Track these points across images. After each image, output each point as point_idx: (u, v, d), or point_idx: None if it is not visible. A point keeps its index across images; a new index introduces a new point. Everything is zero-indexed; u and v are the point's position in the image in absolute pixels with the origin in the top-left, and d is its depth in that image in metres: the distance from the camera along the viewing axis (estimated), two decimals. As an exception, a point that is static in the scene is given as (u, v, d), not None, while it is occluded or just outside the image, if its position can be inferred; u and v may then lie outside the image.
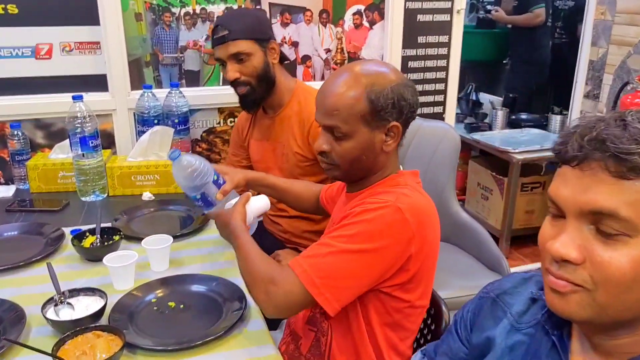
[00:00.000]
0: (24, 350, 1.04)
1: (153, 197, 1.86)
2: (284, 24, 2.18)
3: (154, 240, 1.39)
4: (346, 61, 2.29)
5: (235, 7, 2.09)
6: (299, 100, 1.67)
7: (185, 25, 2.06)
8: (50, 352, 0.98)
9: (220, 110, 2.21)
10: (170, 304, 1.22)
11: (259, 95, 1.64)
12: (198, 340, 1.07)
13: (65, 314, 1.12)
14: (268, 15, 2.14)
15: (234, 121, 2.23)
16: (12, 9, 1.86)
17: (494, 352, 0.78)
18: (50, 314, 1.11)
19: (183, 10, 2.04)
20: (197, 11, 2.06)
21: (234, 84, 1.62)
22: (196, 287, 1.27)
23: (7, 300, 1.20)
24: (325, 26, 2.22)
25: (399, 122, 1.09)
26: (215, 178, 1.26)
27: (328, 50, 2.26)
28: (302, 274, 1.01)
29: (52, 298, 1.15)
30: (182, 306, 1.21)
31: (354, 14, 2.25)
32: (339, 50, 2.28)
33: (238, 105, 2.18)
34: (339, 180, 1.25)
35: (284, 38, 2.20)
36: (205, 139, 2.23)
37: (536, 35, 3.74)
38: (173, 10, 2.03)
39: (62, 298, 1.15)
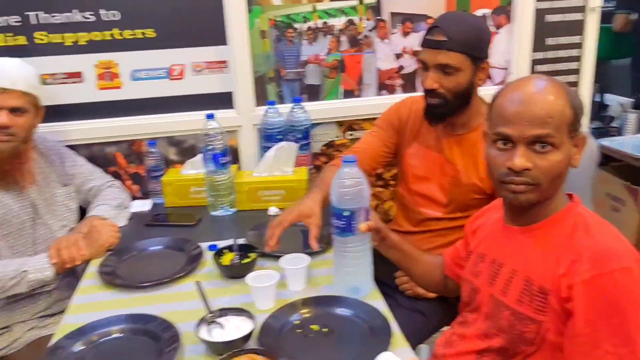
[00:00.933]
0: (183, 369, 1.08)
1: (279, 212, 1.88)
2: (405, 33, 2.12)
3: (291, 259, 1.39)
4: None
5: (356, 19, 2.07)
6: None
7: (307, 39, 2.07)
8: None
9: (340, 124, 2.20)
10: (313, 327, 1.21)
11: (448, 111, 1.54)
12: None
13: (217, 334, 1.14)
14: (390, 24, 2.10)
15: (352, 134, 2.21)
16: (150, 33, 1.97)
17: None
18: (203, 333, 1.14)
19: (305, 25, 2.06)
20: (319, 25, 2.06)
21: (428, 92, 1.52)
22: (340, 310, 1.24)
23: (160, 317, 1.25)
24: (447, 33, 2.13)
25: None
26: (368, 207, 1.25)
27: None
28: None
29: (203, 317, 1.18)
30: (325, 330, 1.20)
31: (479, 18, 2.15)
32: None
33: (357, 118, 2.19)
34: (530, 203, 1.03)
35: (405, 48, 2.14)
36: (324, 152, 2.23)
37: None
38: (296, 25, 2.05)
39: (213, 317, 1.18)
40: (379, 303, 1.29)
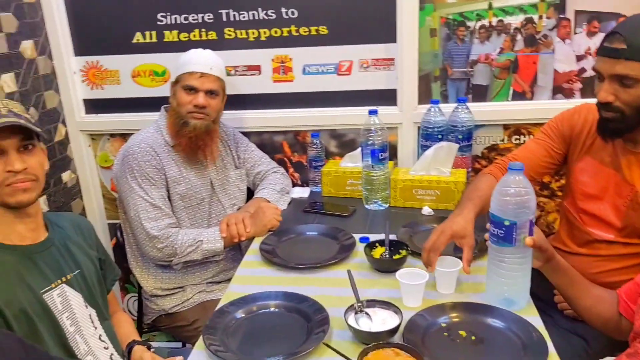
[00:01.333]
0: (327, 351, 1.13)
1: (433, 213, 1.86)
2: (591, 34, 1.94)
3: (442, 261, 1.37)
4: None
5: (535, 17, 1.95)
6: None
7: (479, 38, 2.00)
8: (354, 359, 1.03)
9: (506, 127, 2.10)
10: (461, 332, 1.18)
11: (625, 127, 1.39)
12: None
13: (364, 323, 1.18)
14: (574, 22, 1.94)
15: (519, 139, 2.09)
16: (323, 30, 2.07)
17: None
18: (351, 320, 1.18)
19: (478, 24, 1.99)
20: (494, 23, 1.98)
21: (602, 105, 1.39)
22: (492, 320, 1.20)
23: (312, 298, 1.32)
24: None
25: None
26: (533, 220, 1.18)
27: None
28: None
29: (352, 305, 1.22)
30: (473, 337, 1.16)
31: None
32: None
33: (526, 122, 2.07)
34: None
35: (589, 49, 1.96)
36: (486, 156, 2.14)
37: None
38: (468, 24, 2.00)
39: (361, 307, 1.21)
40: (535, 319, 1.21)
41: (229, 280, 1.70)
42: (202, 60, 1.78)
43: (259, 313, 1.30)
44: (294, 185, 2.22)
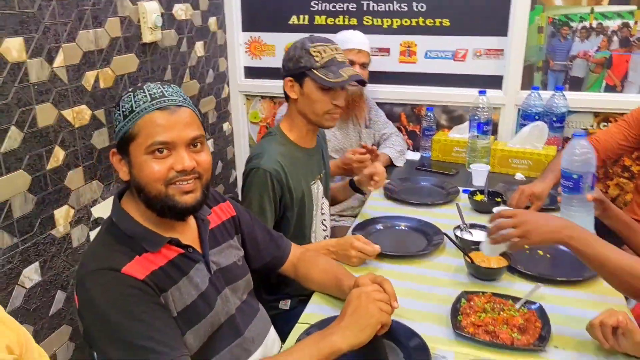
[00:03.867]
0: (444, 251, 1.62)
1: (524, 178, 2.27)
2: (682, 39, 2.25)
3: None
4: None
5: (631, 22, 2.28)
6: None
7: (580, 37, 2.37)
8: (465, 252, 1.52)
9: (596, 115, 2.45)
10: (539, 251, 1.61)
11: None
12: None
13: (467, 236, 1.65)
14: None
15: (606, 125, 2.44)
16: (446, 22, 2.52)
17: None
18: (458, 233, 1.66)
19: (580, 25, 2.35)
20: (594, 25, 2.34)
21: None
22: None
23: (431, 223, 1.80)
24: None
25: None
26: (594, 174, 1.53)
27: None
28: None
29: (459, 226, 1.70)
30: (548, 255, 1.60)
31: None
32: None
33: (615, 111, 2.41)
34: None
35: (679, 52, 2.27)
36: (575, 138, 2.51)
37: None
38: (572, 24, 2.37)
39: (465, 227, 1.69)
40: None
41: (355, 215, 2.22)
42: (356, 39, 2.30)
43: (387, 229, 1.81)
44: (407, 149, 2.71)
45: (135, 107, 1.05)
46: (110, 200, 1.89)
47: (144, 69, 2.13)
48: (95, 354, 1.13)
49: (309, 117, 1.64)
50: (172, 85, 1.12)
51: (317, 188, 1.76)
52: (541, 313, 1.28)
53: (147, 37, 2.12)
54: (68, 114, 1.74)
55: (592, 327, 1.16)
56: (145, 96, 1.06)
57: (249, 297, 1.31)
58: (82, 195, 1.80)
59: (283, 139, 1.68)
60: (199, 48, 2.59)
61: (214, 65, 2.74)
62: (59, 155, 1.69)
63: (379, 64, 2.66)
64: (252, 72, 2.92)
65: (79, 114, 1.78)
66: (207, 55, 2.66)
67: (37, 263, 1.63)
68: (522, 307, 1.30)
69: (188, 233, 1.18)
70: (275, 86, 2.83)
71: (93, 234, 1.86)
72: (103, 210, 1.89)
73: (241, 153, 3.05)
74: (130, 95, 1.08)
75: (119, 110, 1.07)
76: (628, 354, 1.14)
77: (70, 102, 1.74)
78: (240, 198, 1.92)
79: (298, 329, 1.27)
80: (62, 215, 1.72)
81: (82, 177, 1.80)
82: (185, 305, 1.10)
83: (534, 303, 1.31)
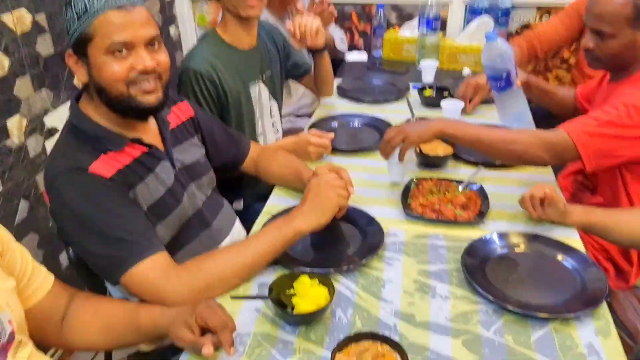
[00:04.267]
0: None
1: (470, 73, 2.37)
2: None
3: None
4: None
5: None
6: None
7: None
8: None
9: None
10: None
11: None
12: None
13: (417, 128, 1.75)
14: None
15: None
16: None
17: None
18: (409, 126, 1.76)
19: None
20: None
21: None
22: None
23: (382, 119, 1.89)
24: None
25: None
26: (515, 66, 1.59)
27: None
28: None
29: (409, 119, 1.79)
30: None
31: None
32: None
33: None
34: (601, 69, 1.50)
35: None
36: (519, 32, 2.59)
37: None
38: None
39: (415, 119, 1.78)
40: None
41: (310, 114, 2.27)
42: None
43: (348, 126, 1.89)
44: (357, 49, 2.73)
45: (89, 7, 1.03)
46: (63, 108, 1.89)
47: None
48: (71, 250, 1.20)
49: (230, 9, 1.63)
50: None
51: (259, 90, 1.77)
52: (481, 192, 1.42)
53: None
54: (8, 18, 1.66)
55: (523, 200, 1.31)
56: None
57: (213, 193, 1.38)
58: (33, 105, 1.77)
59: (217, 41, 1.67)
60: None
61: (155, -35, 2.61)
62: (4, 62, 1.64)
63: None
64: (196, -27, 2.80)
65: (20, 20, 1.70)
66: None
67: (-4, 174, 1.64)
68: (465, 189, 1.43)
69: (150, 133, 1.21)
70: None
71: (48, 144, 1.85)
72: (56, 119, 1.88)
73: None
74: None
75: (71, 10, 1.05)
76: (553, 221, 1.30)
77: (8, 5, 1.66)
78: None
79: (263, 219, 1.37)
80: (15, 125, 1.70)
81: (30, 85, 1.75)
82: (154, 200, 1.16)
83: (476, 184, 1.45)
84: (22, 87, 1.72)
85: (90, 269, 1.16)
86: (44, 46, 1.81)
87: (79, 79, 1.09)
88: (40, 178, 1.82)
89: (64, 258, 1.95)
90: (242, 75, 1.70)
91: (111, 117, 1.13)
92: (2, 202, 1.67)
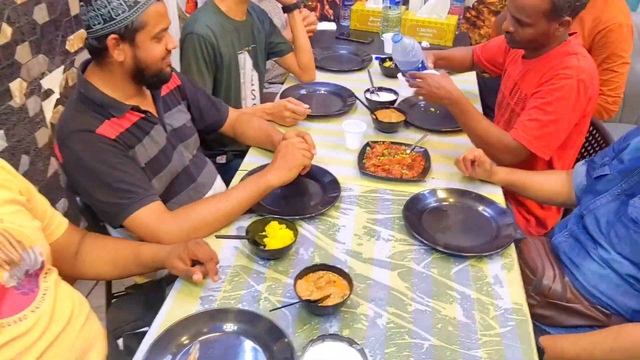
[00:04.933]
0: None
1: (429, 46, 2.61)
2: None
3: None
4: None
5: None
6: None
7: None
8: (372, 111, 1.87)
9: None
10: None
11: None
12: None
13: (375, 97, 2.00)
14: None
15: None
16: None
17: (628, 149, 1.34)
18: (367, 95, 2.00)
19: None
20: None
21: None
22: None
23: (346, 87, 2.12)
24: None
25: (571, 17, 1.54)
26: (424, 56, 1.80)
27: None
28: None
29: (369, 89, 2.04)
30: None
31: None
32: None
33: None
34: (518, 49, 1.76)
35: None
36: (475, 7, 2.83)
37: None
38: None
39: (374, 90, 2.03)
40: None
41: (282, 82, 2.48)
42: None
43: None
44: (327, 19, 2.92)
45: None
46: (57, 72, 2.07)
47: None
48: (78, 199, 1.44)
49: None
50: None
51: (245, 59, 2.00)
52: (425, 155, 1.70)
53: None
54: (7, -12, 1.82)
55: (457, 161, 1.59)
56: None
57: (198, 152, 1.62)
58: (31, 68, 1.95)
59: (215, 9, 1.90)
60: None
61: None
62: (7, 31, 1.81)
63: None
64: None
65: (18, -10, 1.86)
66: None
67: (2, 131, 1.83)
68: (412, 151, 1.70)
69: (145, 101, 1.44)
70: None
71: (45, 104, 2.04)
72: (51, 82, 2.06)
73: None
74: None
75: (118, 0, 1.23)
76: (481, 179, 1.59)
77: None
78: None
79: (240, 175, 1.62)
80: (17, 87, 1.88)
81: (28, 51, 1.93)
82: (150, 158, 1.39)
83: (422, 148, 1.72)
84: (22, 52, 1.89)
85: (94, 215, 1.41)
86: (40, 15, 1.97)
87: (117, 59, 1.28)
88: (38, 135, 2.02)
89: (60, 206, 2.17)
90: (233, 43, 1.93)
91: (114, 87, 1.34)
92: (8, 155, 1.86)
